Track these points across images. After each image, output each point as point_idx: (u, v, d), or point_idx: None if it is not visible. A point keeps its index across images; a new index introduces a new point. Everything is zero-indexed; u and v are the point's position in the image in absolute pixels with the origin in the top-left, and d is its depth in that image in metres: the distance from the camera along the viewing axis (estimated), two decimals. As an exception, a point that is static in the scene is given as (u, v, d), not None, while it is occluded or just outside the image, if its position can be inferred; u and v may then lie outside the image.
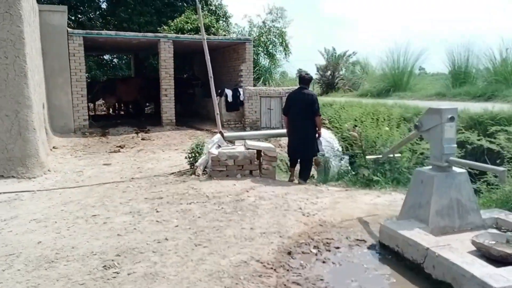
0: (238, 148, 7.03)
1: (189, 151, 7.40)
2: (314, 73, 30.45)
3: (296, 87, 7.13)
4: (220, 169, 6.73)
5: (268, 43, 21.64)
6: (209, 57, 7.79)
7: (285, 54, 22.04)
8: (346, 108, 13.87)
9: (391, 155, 6.22)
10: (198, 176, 6.92)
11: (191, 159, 7.35)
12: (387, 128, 7.69)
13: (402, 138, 6.85)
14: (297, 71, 24.63)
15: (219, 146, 7.19)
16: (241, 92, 13.26)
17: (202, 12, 18.05)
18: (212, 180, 6.63)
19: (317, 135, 6.86)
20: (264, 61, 21.69)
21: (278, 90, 13.52)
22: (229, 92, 13.30)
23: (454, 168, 3.94)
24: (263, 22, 22.13)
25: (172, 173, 7.44)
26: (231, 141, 7.45)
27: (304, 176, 6.89)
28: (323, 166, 8.30)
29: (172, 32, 17.53)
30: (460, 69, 18.22)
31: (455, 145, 3.94)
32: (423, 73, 25.43)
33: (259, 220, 4.68)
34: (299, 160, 7.09)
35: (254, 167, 6.78)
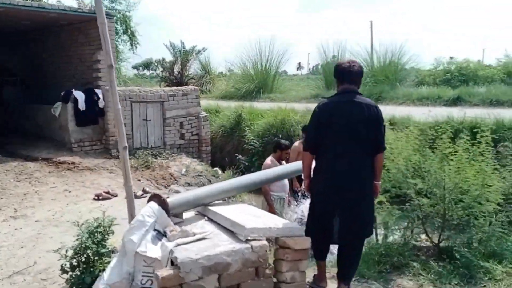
0: (214, 235, 2.93)
1: (74, 250, 2.91)
2: (159, 71, 26.28)
3: (329, 95, 3.35)
4: (187, 304, 2.56)
5: (107, 29, 16.49)
6: (107, 31, 3.36)
7: (132, 45, 17.31)
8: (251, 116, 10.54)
9: None
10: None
11: (76, 273, 2.88)
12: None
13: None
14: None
15: (162, 234, 2.94)
16: (101, 96, 8.51)
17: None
18: None
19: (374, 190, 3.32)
20: (103, 53, 16.46)
21: (158, 92, 9.24)
22: (79, 95, 8.36)
23: None
24: (98, 2, 16.82)
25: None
26: (176, 215, 3.24)
27: (350, 274, 3.29)
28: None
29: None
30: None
31: None
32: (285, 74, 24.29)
33: None
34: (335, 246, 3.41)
35: (265, 283, 2.82)
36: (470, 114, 8.39)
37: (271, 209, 5.39)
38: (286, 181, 5.84)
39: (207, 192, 3.43)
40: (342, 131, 3.12)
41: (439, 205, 3.83)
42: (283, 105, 11.85)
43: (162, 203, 3.07)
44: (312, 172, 3.34)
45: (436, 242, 3.92)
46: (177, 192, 6.11)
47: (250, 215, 3.22)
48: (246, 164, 9.75)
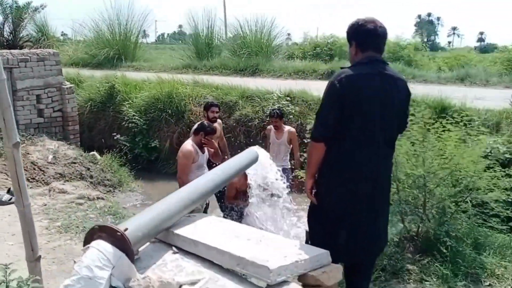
0: (211, 283, 1.83)
1: None
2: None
3: (351, 63, 2.45)
4: None
5: None
6: None
7: None
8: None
9: None
10: None
11: None
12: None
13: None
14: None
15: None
16: None
17: None
18: None
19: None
20: None
21: (4, 56, 6.90)
22: None
23: None
24: None
25: None
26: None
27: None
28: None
29: None
30: (205, 38, 15.90)
31: None
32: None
33: None
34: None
35: None
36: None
37: None
38: (206, 169, 4.76)
39: (173, 209, 2.24)
40: (372, 114, 2.30)
41: (420, 193, 3.39)
42: (163, 76, 10.36)
43: (121, 241, 1.80)
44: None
45: (414, 235, 3.50)
46: (63, 191, 4.48)
47: (243, 239, 2.18)
48: (127, 145, 8.23)
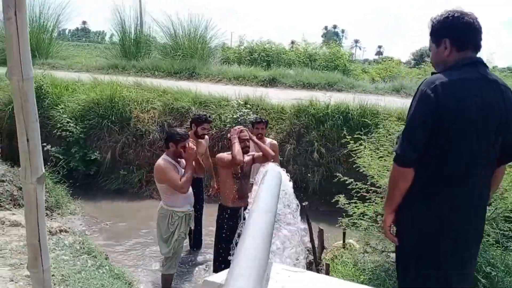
0: None
1: None
2: None
3: (453, 67, 1.93)
4: None
5: None
6: None
7: None
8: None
9: None
10: None
11: None
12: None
13: None
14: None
15: None
16: None
17: None
18: None
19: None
20: None
21: None
22: None
23: None
24: None
25: None
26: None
27: None
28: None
29: None
30: (135, 37, 14.65)
31: None
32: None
33: None
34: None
35: None
36: (290, 96, 8.30)
37: None
38: (190, 189, 4.07)
39: (264, 264, 1.59)
40: (474, 128, 1.87)
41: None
42: (87, 76, 9.14)
43: None
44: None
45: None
46: (16, 224, 3.42)
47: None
48: (61, 157, 7.01)
